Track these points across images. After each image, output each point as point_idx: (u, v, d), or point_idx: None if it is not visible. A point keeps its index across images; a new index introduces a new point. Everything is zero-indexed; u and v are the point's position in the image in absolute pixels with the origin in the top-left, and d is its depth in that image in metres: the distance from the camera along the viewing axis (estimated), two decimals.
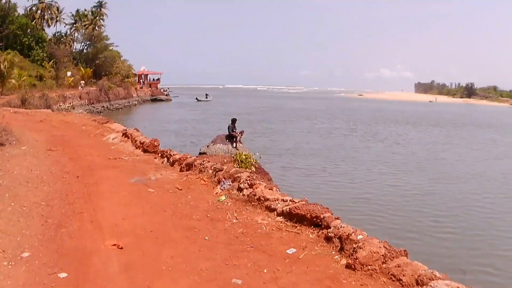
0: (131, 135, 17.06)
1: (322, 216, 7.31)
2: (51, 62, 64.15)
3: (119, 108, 71.33)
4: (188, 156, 12.72)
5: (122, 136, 17.81)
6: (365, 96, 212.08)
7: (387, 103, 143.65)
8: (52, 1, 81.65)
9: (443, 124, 67.47)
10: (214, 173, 11.00)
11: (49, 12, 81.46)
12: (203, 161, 11.87)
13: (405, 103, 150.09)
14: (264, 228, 7.74)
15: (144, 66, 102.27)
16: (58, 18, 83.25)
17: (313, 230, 7.36)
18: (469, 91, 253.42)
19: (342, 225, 6.81)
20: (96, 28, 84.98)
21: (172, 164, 12.93)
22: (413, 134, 50.73)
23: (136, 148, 15.76)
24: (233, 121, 27.06)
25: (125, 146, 16.49)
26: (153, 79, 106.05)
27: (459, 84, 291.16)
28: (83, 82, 67.41)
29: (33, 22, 74.68)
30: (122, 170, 12.51)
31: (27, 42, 66.26)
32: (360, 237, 6.30)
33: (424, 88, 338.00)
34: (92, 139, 18.39)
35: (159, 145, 15.44)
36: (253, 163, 16.86)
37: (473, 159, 35.39)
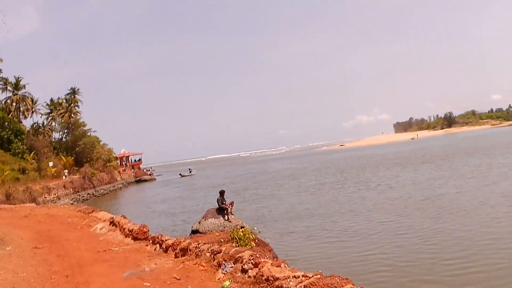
0: (118, 223, 16.36)
1: None
2: (32, 154, 63.89)
3: (104, 194, 70.82)
4: (182, 240, 12.03)
5: (110, 225, 17.09)
6: (346, 145, 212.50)
7: (370, 148, 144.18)
8: (25, 92, 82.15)
9: (430, 159, 67.38)
10: (212, 256, 10.31)
11: (24, 103, 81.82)
12: (198, 244, 11.17)
13: (387, 145, 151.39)
14: None
15: (124, 148, 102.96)
16: (33, 109, 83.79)
17: None
18: (448, 121, 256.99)
19: None
20: (72, 115, 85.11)
21: (165, 251, 12.22)
22: (404, 175, 49.79)
23: (126, 236, 15.05)
24: (221, 193, 26.59)
25: (113, 236, 15.76)
26: (135, 160, 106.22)
27: (437, 115, 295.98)
28: (66, 171, 67.31)
29: (10, 115, 74.73)
30: (113, 263, 11.77)
31: (5, 136, 66.20)
32: None
33: (403, 127, 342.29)
34: (79, 232, 17.62)
35: (148, 231, 14.75)
36: (253, 238, 15.84)
37: (472, 188, 34.74)
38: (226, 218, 25.86)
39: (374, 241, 22.53)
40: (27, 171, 59.28)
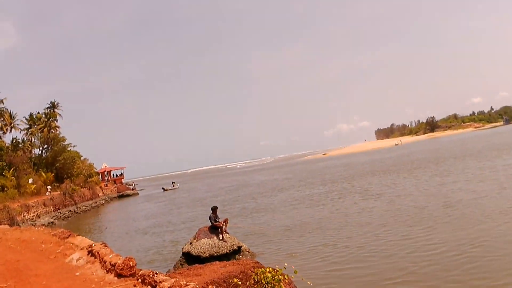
0: (98, 253, 14.00)
1: None
2: (11, 171, 61.87)
3: (86, 210, 68.36)
4: (183, 283, 9.76)
5: (88, 254, 14.72)
6: (330, 154, 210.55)
7: (354, 156, 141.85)
8: (3, 107, 79.69)
9: (423, 164, 64.34)
10: None
11: (2, 119, 79.41)
12: None
13: (372, 152, 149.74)
14: None
15: (105, 163, 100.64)
16: (12, 124, 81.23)
17: None
18: (431, 125, 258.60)
19: None
20: (52, 130, 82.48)
21: None
22: (404, 182, 46.41)
23: (107, 271, 12.69)
24: (214, 209, 24.37)
25: (92, 270, 13.41)
26: (117, 175, 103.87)
27: (419, 121, 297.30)
28: (49, 187, 65.93)
29: None
30: None
31: None
32: None
33: (385, 133, 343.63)
34: (52, 263, 15.22)
35: (135, 265, 12.43)
36: (287, 281, 11.97)
37: (490, 191, 31.87)
38: (221, 238, 23.65)
39: (406, 260, 19.09)
40: (6, 188, 57.20)
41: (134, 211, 62.25)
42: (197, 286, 9.57)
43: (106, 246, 14.61)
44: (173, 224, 42.20)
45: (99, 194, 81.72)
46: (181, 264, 23.34)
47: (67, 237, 18.57)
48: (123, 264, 12.19)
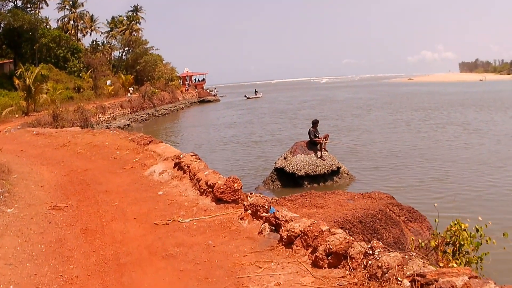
0: (189, 167, 10.38)
1: None
2: (88, 72, 60.19)
3: (165, 114, 66.56)
4: (324, 229, 5.86)
5: (175, 168, 11.17)
6: (414, 79, 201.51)
7: (439, 85, 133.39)
8: (83, 10, 77.56)
9: None
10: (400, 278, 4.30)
11: (82, 22, 77.72)
12: (371, 249, 4.95)
13: (456, 84, 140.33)
14: None
15: (187, 68, 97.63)
16: (93, 27, 79.83)
17: None
18: None
19: None
20: (134, 33, 79.73)
21: (287, 242, 6.19)
22: (503, 121, 40.32)
23: (201, 193, 9.10)
24: (314, 123, 20.65)
25: (180, 189, 9.85)
26: (198, 80, 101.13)
27: (502, 60, 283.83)
28: (132, 88, 63.78)
29: (67, 34, 71.17)
30: (186, 265, 5.91)
31: (61, 54, 63.46)
32: None
33: (469, 67, 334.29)
34: (128, 176, 11.81)
35: (241, 188, 8.73)
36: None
37: None
38: (319, 155, 20.25)
39: None
40: (82, 90, 55.92)
41: (215, 118, 59.40)
42: (347, 236, 5.62)
43: (198, 157, 10.99)
44: (258, 135, 38.93)
45: (179, 98, 79.73)
46: (272, 181, 20.65)
47: (148, 144, 15.13)
48: (224, 186, 8.53)
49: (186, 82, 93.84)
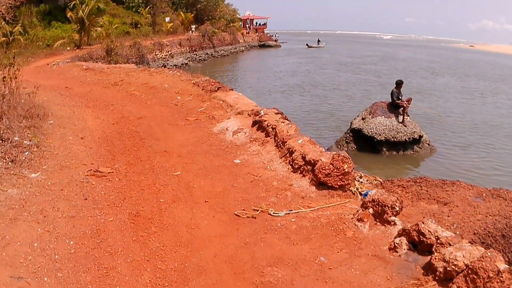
0: (274, 130, 7.85)
1: None
2: (147, 8, 57.33)
3: (224, 55, 63.90)
4: (502, 268, 3.35)
5: (253, 126, 8.65)
6: (476, 47, 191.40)
7: (502, 56, 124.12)
8: None
9: None
10: None
11: None
12: None
13: None
14: None
15: (249, 11, 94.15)
16: None
17: None
18: None
19: None
20: None
21: (442, 279, 3.78)
22: None
23: (295, 170, 6.60)
24: (398, 84, 17.85)
25: (264, 159, 7.38)
26: (260, 24, 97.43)
27: None
28: (194, 26, 61.64)
29: None
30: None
31: None
32: None
33: None
34: (192, 131, 9.38)
35: (352, 170, 6.18)
36: None
37: None
38: (401, 120, 17.67)
39: None
40: (139, 26, 53.47)
41: (275, 64, 56.21)
42: None
43: (286, 119, 8.46)
44: (323, 87, 35.76)
45: (240, 41, 76.58)
46: (346, 142, 18.12)
47: (216, 90, 12.58)
48: (331, 167, 6.01)
49: (247, 25, 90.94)
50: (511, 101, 33.61)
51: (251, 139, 8.18)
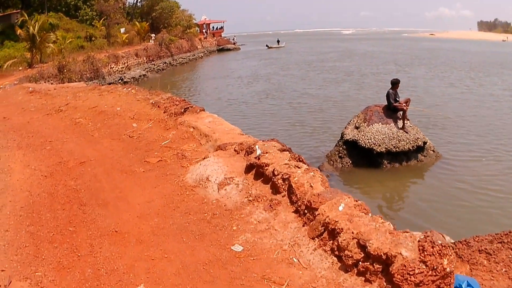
0: (287, 180, 4.91)
1: None
2: (101, 20, 56.33)
3: (183, 63, 62.57)
4: None
5: (248, 173, 5.69)
6: (436, 35, 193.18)
7: (462, 43, 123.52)
8: None
9: None
10: None
11: None
12: None
13: (479, 42, 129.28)
14: None
15: (205, 15, 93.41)
16: None
17: None
18: None
19: None
20: None
21: None
22: None
23: (346, 267, 3.72)
24: (394, 84, 15.45)
25: (282, 239, 4.43)
26: (216, 28, 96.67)
27: None
28: (154, 35, 61.30)
29: None
30: None
31: (72, 2, 59.10)
32: None
33: (488, 26, 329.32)
34: (156, 184, 6.50)
35: (453, 266, 3.33)
36: None
37: None
38: (401, 126, 15.25)
39: None
40: (94, 39, 51.97)
41: (238, 68, 54.16)
42: None
43: (301, 160, 5.55)
44: (291, 91, 32.92)
45: (198, 47, 75.36)
46: (340, 157, 15.55)
47: (182, 113, 9.58)
48: (421, 266, 3.10)
49: (204, 30, 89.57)
50: (502, 91, 31.38)
51: (250, 198, 5.29)
